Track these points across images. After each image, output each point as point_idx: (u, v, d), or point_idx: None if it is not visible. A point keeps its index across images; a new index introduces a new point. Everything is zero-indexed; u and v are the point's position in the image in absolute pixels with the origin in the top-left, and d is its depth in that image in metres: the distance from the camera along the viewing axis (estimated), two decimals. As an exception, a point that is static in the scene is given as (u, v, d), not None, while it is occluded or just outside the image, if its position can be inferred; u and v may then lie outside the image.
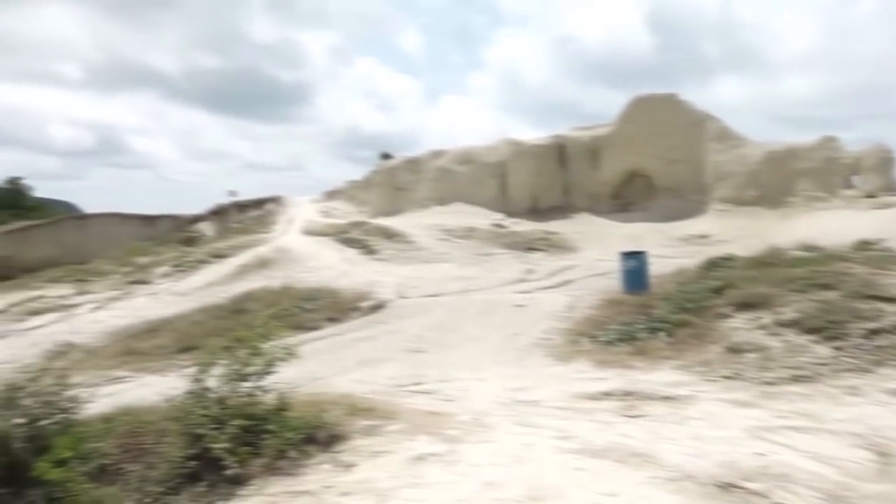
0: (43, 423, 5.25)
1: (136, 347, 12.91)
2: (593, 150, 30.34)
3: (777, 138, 28.68)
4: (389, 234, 24.17)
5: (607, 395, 6.62)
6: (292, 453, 4.91)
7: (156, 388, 7.55)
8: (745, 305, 8.82)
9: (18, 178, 50.82)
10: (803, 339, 7.55)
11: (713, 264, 12.44)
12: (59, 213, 48.13)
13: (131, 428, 5.38)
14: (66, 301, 19.41)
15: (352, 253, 22.55)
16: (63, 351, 13.49)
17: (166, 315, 15.91)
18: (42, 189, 59.28)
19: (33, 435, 5.14)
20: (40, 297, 20.39)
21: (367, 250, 22.78)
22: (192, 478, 4.69)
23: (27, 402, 5.32)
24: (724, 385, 6.78)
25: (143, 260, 25.31)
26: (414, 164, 33.24)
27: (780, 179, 25.59)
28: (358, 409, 5.92)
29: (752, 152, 27.00)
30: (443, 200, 29.79)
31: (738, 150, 27.35)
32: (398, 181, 33.14)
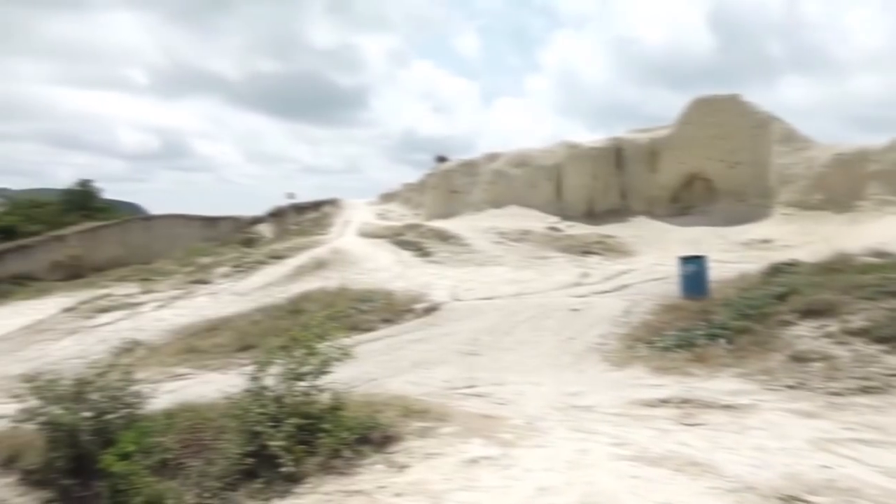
0: (109, 416, 5.45)
1: (197, 345, 13.27)
2: (652, 153, 29.78)
3: (846, 140, 27.60)
4: (444, 237, 24.21)
5: (664, 402, 6.49)
6: (347, 453, 4.97)
7: (215, 385, 7.76)
8: (811, 313, 8.51)
9: (89, 181, 52.61)
10: (873, 349, 7.25)
11: (777, 270, 12.08)
12: (125, 214, 49.82)
13: (192, 424, 5.53)
14: (131, 299, 20.10)
15: (406, 255, 22.69)
16: (128, 348, 13.97)
17: (226, 314, 16.29)
18: (110, 191, 61.42)
19: (100, 428, 5.35)
20: (108, 295, 21.17)
21: (422, 253, 22.88)
22: (250, 474, 4.79)
23: (95, 396, 5.55)
24: (787, 395, 6.57)
25: (204, 260, 25.97)
26: (469, 167, 33.20)
27: (848, 183, 24.59)
28: (412, 410, 5.94)
29: (819, 155, 26.04)
30: (498, 203, 29.62)
31: (805, 153, 26.42)
32: (453, 184, 33.15)
